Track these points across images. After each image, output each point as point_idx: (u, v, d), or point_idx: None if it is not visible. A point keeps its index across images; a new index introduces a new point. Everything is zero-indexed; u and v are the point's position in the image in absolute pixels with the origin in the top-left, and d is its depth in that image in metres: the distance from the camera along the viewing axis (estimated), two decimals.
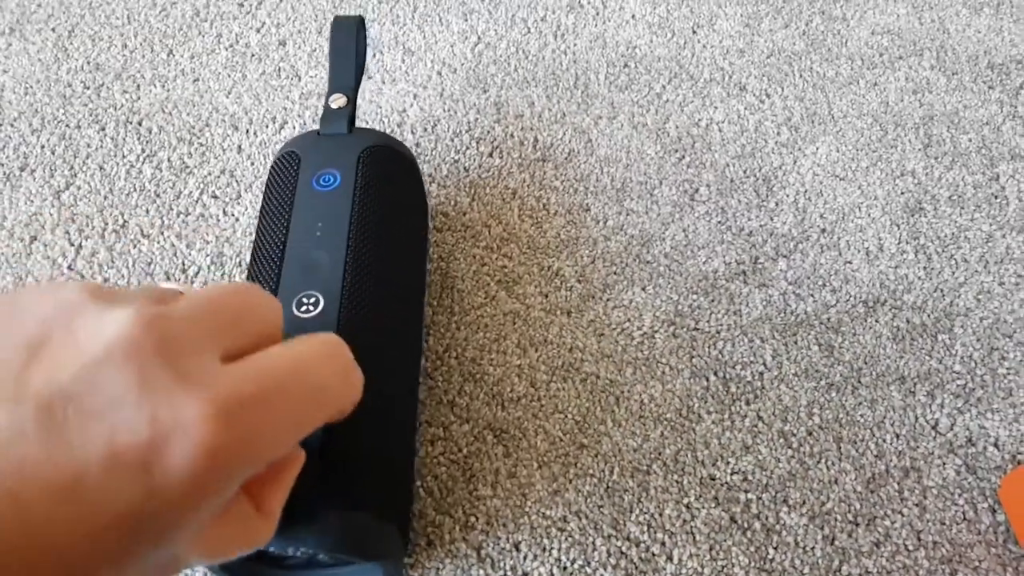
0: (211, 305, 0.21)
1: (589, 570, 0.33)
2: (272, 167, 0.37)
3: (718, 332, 0.40)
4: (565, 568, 0.33)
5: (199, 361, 0.19)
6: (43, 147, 0.47)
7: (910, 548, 0.34)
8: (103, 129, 0.48)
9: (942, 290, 0.42)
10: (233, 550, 0.21)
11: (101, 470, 0.17)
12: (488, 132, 0.48)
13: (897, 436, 0.37)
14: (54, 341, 0.18)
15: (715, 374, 0.39)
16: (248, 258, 0.42)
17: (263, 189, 0.37)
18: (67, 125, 0.48)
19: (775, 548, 0.34)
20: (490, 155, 0.47)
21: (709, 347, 0.40)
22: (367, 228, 0.33)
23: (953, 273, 0.43)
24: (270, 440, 0.20)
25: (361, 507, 0.28)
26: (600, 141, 0.48)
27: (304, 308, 0.30)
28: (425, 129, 0.49)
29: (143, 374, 0.18)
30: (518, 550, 0.33)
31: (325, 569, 0.30)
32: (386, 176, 0.36)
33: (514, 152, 0.47)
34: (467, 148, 0.48)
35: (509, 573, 0.33)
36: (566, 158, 0.47)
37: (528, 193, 0.45)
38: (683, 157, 0.48)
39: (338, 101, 0.38)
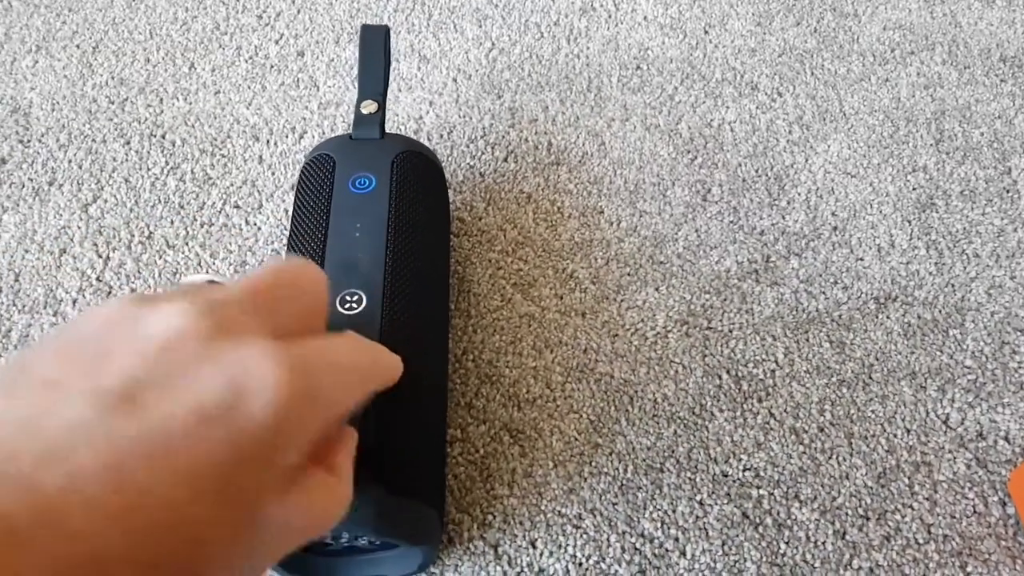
0: (257, 289, 0.22)
1: (604, 566, 0.34)
2: (305, 169, 0.39)
3: (730, 331, 0.41)
4: (580, 564, 0.34)
5: (256, 335, 0.20)
6: (70, 162, 0.49)
7: (920, 542, 0.35)
8: (128, 143, 0.49)
9: (953, 285, 0.43)
10: (325, 518, 0.22)
11: (189, 429, 0.18)
12: (503, 137, 0.49)
13: (908, 431, 0.38)
14: (116, 349, 0.19)
15: (727, 372, 0.39)
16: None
17: (295, 190, 0.39)
18: (93, 140, 0.50)
19: (786, 543, 0.35)
20: (505, 160, 0.48)
21: (721, 346, 0.40)
22: (404, 230, 0.35)
23: (964, 268, 0.44)
24: (332, 399, 0.21)
25: (407, 492, 0.29)
26: (613, 144, 0.49)
27: (348, 305, 0.31)
28: (441, 136, 0.50)
29: (209, 349, 0.19)
30: (534, 547, 0.34)
31: (364, 555, 0.32)
32: (419, 181, 0.38)
33: (528, 156, 0.48)
34: (482, 153, 0.49)
35: (526, 570, 0.34)
36: (580, 161, 0.48)
37: (543, 197, 0.46)
38: (695, 158, 0.48)
39: (369, 107, 0.40)
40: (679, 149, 0.49)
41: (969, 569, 0.34)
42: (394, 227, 0.35)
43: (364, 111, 0.40)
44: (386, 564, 0.32)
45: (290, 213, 0.40)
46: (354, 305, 0.31)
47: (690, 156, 0.48)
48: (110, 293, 0.43)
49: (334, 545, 0.31)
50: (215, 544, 0.18)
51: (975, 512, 0.35)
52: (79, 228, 0.45)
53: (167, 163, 0.48)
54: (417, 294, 0.34)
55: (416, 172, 0.38)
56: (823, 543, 0.35)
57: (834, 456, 0.37)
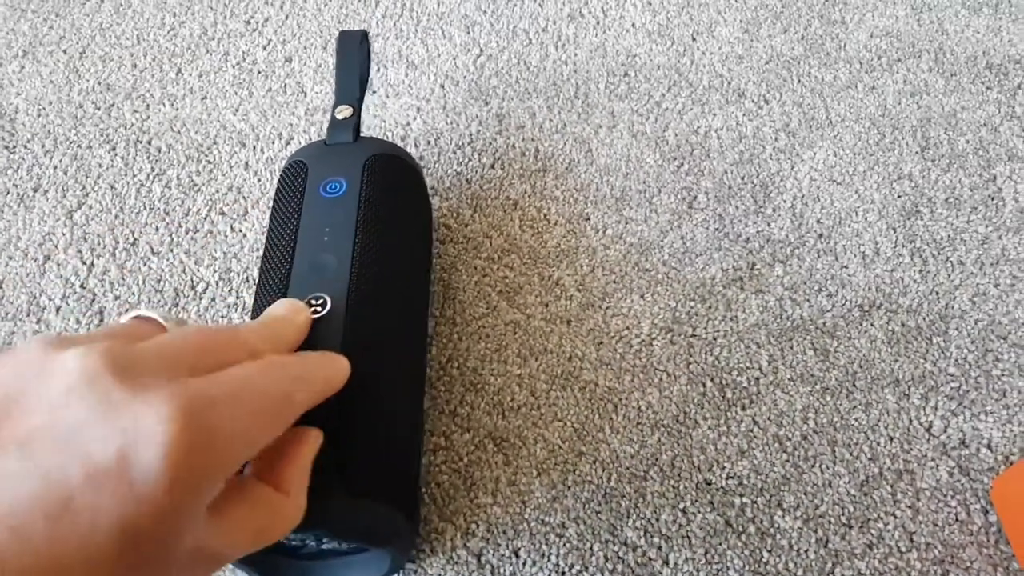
0: (178, 339, 0.23)
1: (587, 575, 0.34)
2: (280, 177, 0.39)
3: (715, 338, 0.41)
4: (563, 573, 0.34)
5: (158, 378, 0.20)
6: (56, 168, 0.48)
7: (903, 550, 0.35)
8: (114, 149, 0.49)
9: (937, 293, 0.43)
10: (267, 535, 0.23)
11: (85, 489, 0.18)
12: (490, 144, 0.49)
13: (891, 439, 0.38)
14: (23, 395, 0.19)
15: (712, 380, 0.40)
16: (256, 274, 0.43)
17: (272, 199, 0.39)
18: (79, 145, 0.50)
19: (769, 551, 0.35)
20: (492, 166, 0.48)
21: (706, 353, 0.40)
22: (372, 232, 0.35)
23: (949, 276, 0.44)
24: (242, 435, 0.21)
25: (371, 495, 0.29)
26: (600, 150, 0.49)
27: (312, 309, 0.31)
28: (428, 142, 0.50)
29: (104, 397, 0.19)
30: (517, 556, 0.34)
31: (336, 557, 0.32)
32: (391, 183, 0.38)
33: (515, 163, 0.48)
34: (469, 160, 0.49)
35: None
36: (566, 168, 0.48)
37: (529, 204, 0.46)
38: (682, 165, 0.48)
39: (343, 112, 0.40)
40: (665, 156, 0.49)
41: None
42: (362, 229, 0.34)
43: (339, 116, 0.39)
44: (358, 567, 0.32)
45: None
46: (319, 308, 0.31)
47: (676, 163, 0.48)
48: (94, 301, 0.43)
49: (304, 548, 0.31)
50: None
51: (957, 520, 0.36)
52: (63, 235, 0.45)
53: (152, 169, 0.48)
54: (384, 296, 0.33)
55: (388, 174, 0.38)
56: (806, 551, 0.35)
57: (817, 464, 0.37)
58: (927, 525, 0.35)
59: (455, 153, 0.49)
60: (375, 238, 0.34)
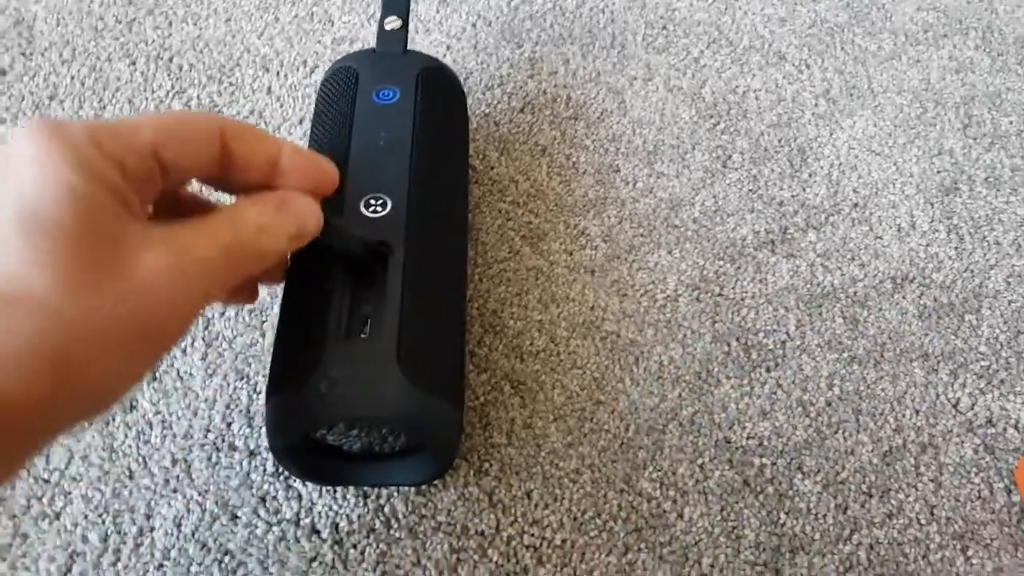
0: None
1: (599, 522, 0.33)
2: (327, 79, 0.39)
3: (742, 299, 0.40)
4: (576, 519, 0.33)
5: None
6: (73, 78, 0.47)
7: (923, 522, 0.34)
8: (133, 63, 0.48)
9: (972, 271, 0.42)
10: (238, 250, 0.24)
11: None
12: (520, 87, 0.48)
13: (917, 412, 0.37)
14: None
15: (737, 340, 0.38)
16: None
17: (316, 102, 0.39)
18: (97, 58, 0.48)
19: (787, 513, 0.34)
20: (521, 111, 0.47)
21: (732, 313, 0.39)
22: (427, 141, 0.35)
23: (984, 255, 0.42)
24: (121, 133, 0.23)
25: (429, 388, 0.29)
26: (634, 102, 0.47)
27: (372, 208, 0.31)
28: None
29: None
30: (529, 498, 0.33)
31: (379, 461, 0.33)
32: (443, 97, 0.38)
33: (546, 109, 0.47)
34: (498, 103, 0.47)
35: (520, 519, 0.33)
36: (598, 118, 0.47)
37: (558, 151, 0.45)
38: (717, 123, 0.47)
39: (392, 23, 0.39)
40: (701, 113, 0.47)
41: (970, 553, 0.33)
42: (419, 137, 0.34)
43: (387, 27, 0.39)
44: (401, 471, 0.32)
45: (309, 126, 0.40)
46: (379, 208, 0.31)
47: (712, 121, 0.47)
48: None
49: (347, 445, 0.32)
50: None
51: (979, 497, 0.35)
52: None
53: (173, 87, 0.47)
54: (441, 201, 0.34)
55: (440, 88, 0.38)
56: (824, 516, 0.34)
57: (840, 431, 0.36)
58: (949, 500, 0.35)
59: (484, 94, 0.48)
60: (430, 147, 0.34)
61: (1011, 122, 0.49)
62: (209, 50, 0.49)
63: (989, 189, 0.45)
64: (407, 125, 0.35)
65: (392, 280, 0.30)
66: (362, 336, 0.28)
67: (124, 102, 0.46)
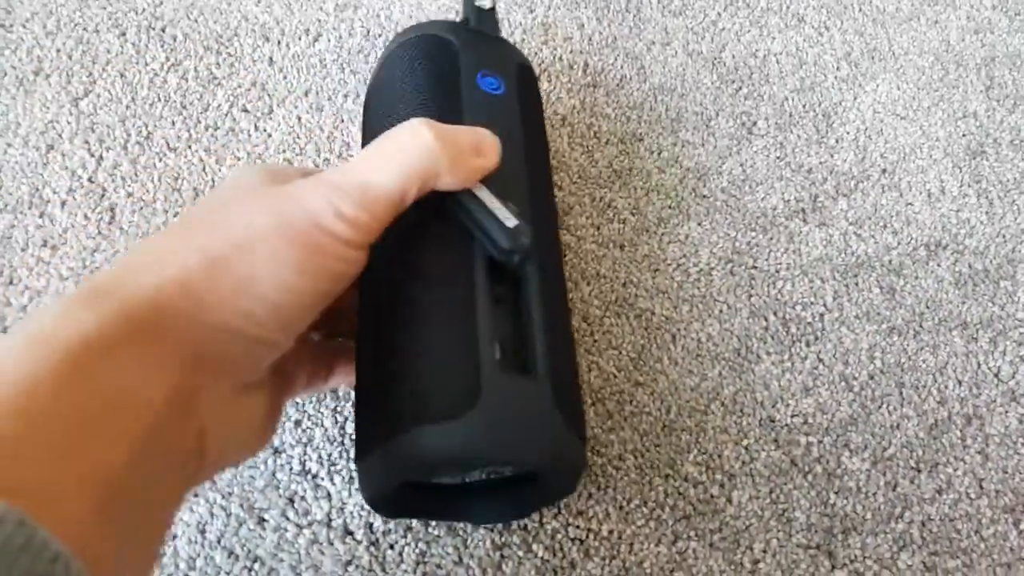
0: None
1: (646, 510, 0.32)
2: (420, 45, 0.33)
3: (777, 271, 0.39)
4: (621, 507, 0.32)
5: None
6: (59, 51, 0.44)
7: (972, 496, 0.33)
8: (124, 34, 0.45)
9: (1004, 236, 0.41)
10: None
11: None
12: (535, 54, 0.46)
13: (959, 383, 0.36)
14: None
15: (774, 314, 0.37)
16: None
17: (386, 67, 0.33)
18: (84, 28, 0.45)
19: (836, 493, 0.33)
20: (538, 78, 0.45)
21: (768, 286, 0.38)
22: (532, 146, 0.32)
23: (1016, 219, 0.42)
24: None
25: (580, 431, 0.26)
26: (654, 68, 0.46)
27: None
28: None
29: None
30: None
31: (476, 497, 0.29)
32: (534, 98, 0.35)
33: (563, 76, 0.45)
34: None
35: (564, 511, 0.32)
36: (618, 84, 0.45)
37: (578, 120, 0.43)
38: (740, 88, 0.45)
39: (485, 2, 0.35)
40: (723, 78, 0.46)
41: (1022, 527, 0.33)
42: (527, 136, 0.31)
43: (478, 4, 0.35)
44: (501, 502, 0.29)
45: (378, 93, 0.33)
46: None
47: (735, 86, 0.45)
48: (104, 196, 0.39)
49: (451, 482, 0.29)
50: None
51: None
52: (68, 123, 0.41)
53: (167, 59, 0.44)
54: (548, 210, 0.31)
55: (534, 89, 0.35)
56: (874, 494, 0.33)
57: (884, 405, 0.35)
58: (997, 472, 0.34)
59: None
60: (534, 152, 0.31)
61: None
62: (204, 19, 0.46)
63: (1015, 152, 0.44)
64: (516, 123, 0.31)
65: (531, 295, 0.26)
66: (510, 364, 0.25)
67: (116, 76, 0.43)
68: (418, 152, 0.24)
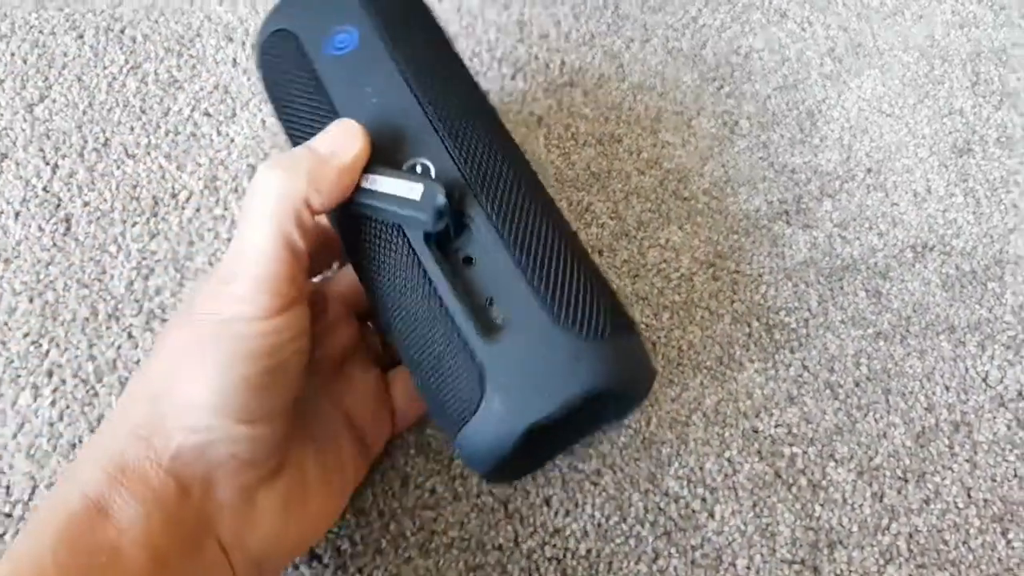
0: None
1: (625, 527, 0.31)
2: (264, 59, 0.31)
3: (760, 275, 0.37)
4: (599, 525, 0.31)
5: None
6: (13, 55, 0.42)
7: (960, 506, 0.32)
8: (81, 36, 0.43)
9: (991, 236, 0.40)
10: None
11: None
12: (510, 53, 0.44)
13: (947, 388, 0.35)
14: None
15: (758, 320, 0.36)
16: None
17: (268, 85, 0.31)
18: (40, 31, 0.43)
19: (822, 505, 0.32)
20: (512, 78, 0.43)
21: (751, 291, 0.37)
22: (425, 67, 0.28)
23: (1003, 219, 0.41)
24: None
25: (616, 327, 0.25)
26: (632, 66, 0.44)
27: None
28: None
29: None
30: (549, 505, 0.31)
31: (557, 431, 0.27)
32: (409, 14, 0.30)
33: (539, 75, 0.44)
34: (488, 69, 0.44)
35: (540, 530, 0.30)
36: (596, 84, 0.43)
37: (555, 120, 0.42)
38: (722, 86, 0.44)
39: None
40: (704, 76, 0.44)
41: (1011, 536, 0.32)
42: (415, 69, 0.27)
43: None
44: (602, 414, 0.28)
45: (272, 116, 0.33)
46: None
47: (716, 84, 0.44)
48: (59, 206, 0.37)
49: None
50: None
51: (1016, 476, 0.33)
52: (23, 130, 0.39)
53: (127, 61, 0.42)
54: (477, 131, 0.27)
55: (404, 9, 0.30)
56: (860, 506, 0.32)
57: (871, 413, 0.34)
58: (985, 480, 0.33)
59: (471, 60, 0.44)
60: (432, 76, 0.28)
61: (1019, 79, 0.47)
62: (165, 19, 0.44)
63: (1002, 149, 0.43)
64: (389, 67, 0.27)
65: (486, 235, 0.24)
66: (497, 321, 0.24)
67: (73, 80, 0.41)
68: (273, 195, 0.23)
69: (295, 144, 0.29)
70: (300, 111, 0.29)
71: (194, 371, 0.23)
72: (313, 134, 0.26)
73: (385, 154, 0.26)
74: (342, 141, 0.24)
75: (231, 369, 0.22)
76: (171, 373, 0.23)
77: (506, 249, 0.24)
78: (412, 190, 0.24)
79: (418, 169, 0.26)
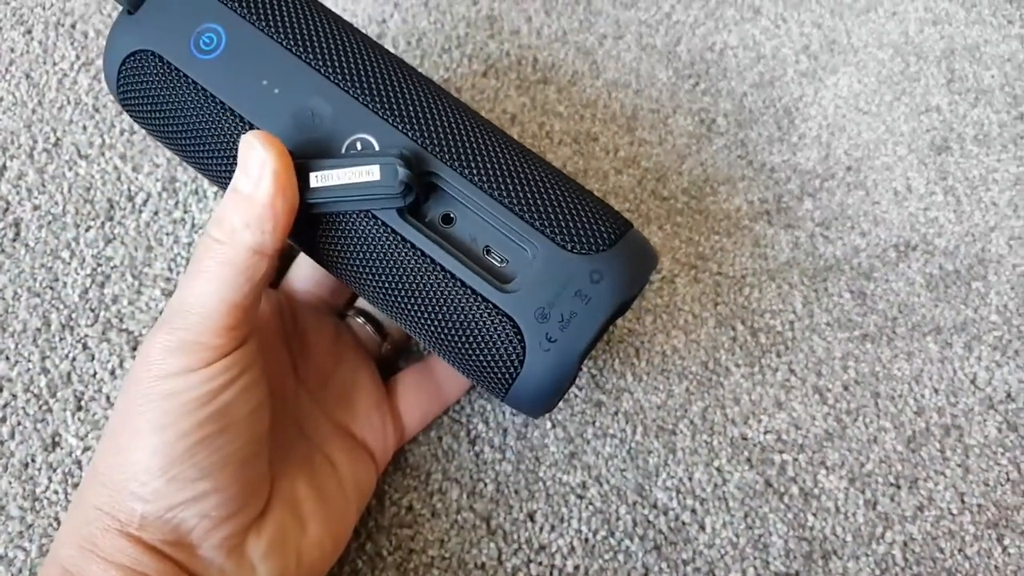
0: None
1: (613, 541, 0.29)
2: (125, 91, 0.27)
3: (743, 277, 0.36)
4: (587, 540, 0.29)
5: None
6: None
7: (954, 512, 0.31)
8: (29, 32, 0.41)
9: (973, 235, 0.39)
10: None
11: None
12: (481, 49, 0.43)
13: (936, 391, 0.34)
14: None
15: (742, 323, 0.35)
16: (207, 184, 0.36)
17: (146, 123, 0.27)
18: None
19: (814, 514, 0.31)
20: (484, 75, 0.42)
21: (734, 293, 0.36)
22: (317, 44, 0.25)
23: (983, 217, 0.40)
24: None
25: (614, 232, 0.25)
26: (607, 63, 0.43)
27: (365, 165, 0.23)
28: (409, 43, 0.43)
29: None
30: (533, 520, 0.29)
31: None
32: None
33: (511, 72, 0.42)
34: (458, 66, 0.42)
35: (524, 546, 0.29)
36: (569, 81, 0.42)
37: (529, 119, 0.40)
38: (697, 83, 0.43)
39: None
40: (679, 73, 0.43)
41: (1006, 542, 0.31)
42: (304, 50, 0.25)
43: None
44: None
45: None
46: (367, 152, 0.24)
47: (692, 81, 0.43)
48: (7, 210, 0.35)
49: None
50: None
51: (1009, 480, 0.32)
52: None
53: (78, 57, 0.40)
54: (412, 90, 0.25)
55: None
56: (853, 514, 0.31)
57: (861, 418, 0.33)
58: (979, 485, 0.32)
59: (441, 57, 0.42)
60: (329, 49, 0.25)
61: (993, 76, 0.46)
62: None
63: (980, 147, 0.43)
64: (274, 51, 0.25)
65: (460, 188, 0.23)
66: (504, 267, 0.23)
67: (20, 77, 0.39)
68: (216, 263, 0.22)
69: (217, 180, 0.26)
70: (203, 137, 0.25)
71: (133, 438, 0.21)
72: (233, 156, 0.24)
73: (318, 144, 0.24)
74: (253, 163, 0.22)
75: (168, 428, 0.21)
76: (115, 443, 0.22)
77: (486, 193, 0.23)
78: (368, 172, 0.22)
79: (359, 147, 0.24)
